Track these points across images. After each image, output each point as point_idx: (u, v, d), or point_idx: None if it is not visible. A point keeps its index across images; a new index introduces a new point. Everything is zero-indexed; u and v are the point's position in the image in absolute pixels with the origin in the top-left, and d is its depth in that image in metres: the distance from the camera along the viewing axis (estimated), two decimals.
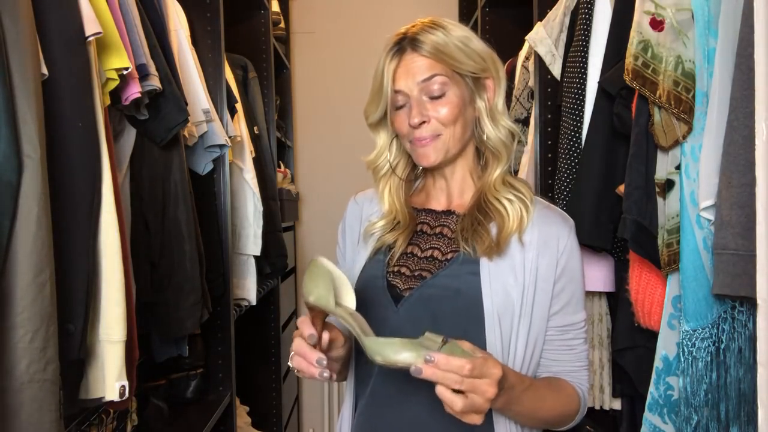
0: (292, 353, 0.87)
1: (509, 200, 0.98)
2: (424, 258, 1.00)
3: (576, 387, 0.99)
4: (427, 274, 0.98)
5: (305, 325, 0.86)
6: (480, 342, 0.91)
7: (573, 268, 0.98)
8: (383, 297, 0.98)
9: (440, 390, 0.77)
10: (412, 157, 1.04)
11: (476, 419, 0.78)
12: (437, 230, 1.02)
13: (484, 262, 0.95)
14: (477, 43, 0.98)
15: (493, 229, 0.97)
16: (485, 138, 1.00)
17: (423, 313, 0.95)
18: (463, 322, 0.94)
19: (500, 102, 1.01)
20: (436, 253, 1.00)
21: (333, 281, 0.86)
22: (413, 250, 1.01)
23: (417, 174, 1.11)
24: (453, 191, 1.05)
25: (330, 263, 0.89)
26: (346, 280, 0.89)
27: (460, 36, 0.97)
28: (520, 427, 0.96)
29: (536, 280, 0.95)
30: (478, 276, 0.95)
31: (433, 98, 0.96)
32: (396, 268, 1.00)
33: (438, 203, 1.06)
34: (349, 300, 0.88)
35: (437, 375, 0.76)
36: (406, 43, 0.97)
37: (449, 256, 0.99)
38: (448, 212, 1.04)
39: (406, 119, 0.97)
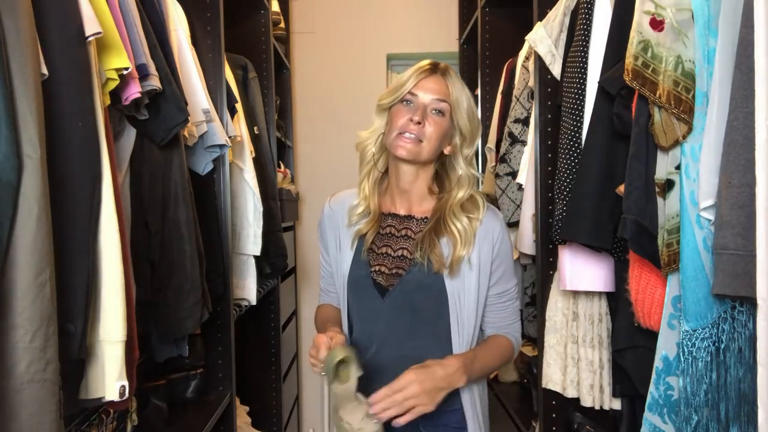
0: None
1: (463, 224, 1.26)
2: (396, 257, 1.30)
3: (510, 336, 1.34)
4: (402, 272, 1.28)
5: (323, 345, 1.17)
6: (444, 316, 1.27)
7: (504, 250, 1.31)
8: (371, 292, 1.30)
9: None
10: (390, 149, 1.28)
11: (428, 408, 1.12)
12: (402, 232, 1.32)
13: None
14: (476, 112, 1.31)
15: (447, 247, 1.26)
16: (456, 168, 1.31)
17: (403, 303, 1.27)
18: (434, 305, 1.27)
19: (471, 153, 1.32)
20: (405, 252, 1.30)
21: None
22: (387, 251, 1.31)
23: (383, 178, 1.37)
24: (413, 200, 1.34)
25: (342, 351, 1.14)
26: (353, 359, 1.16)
27: (469, 97, 1.29)
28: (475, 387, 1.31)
29: (480, 264, 1.27)
30: (441, 274, 1.26)
31: (434, 112, 1.26)
32: (377, 267, 1.30)
33: (401, 209, 1.34)
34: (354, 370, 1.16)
35: (391, 409, 1.10)
36: (438, 69, 1.28)
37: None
38: (410, 217, 1.33)
39: (408, 114, 1.25)
